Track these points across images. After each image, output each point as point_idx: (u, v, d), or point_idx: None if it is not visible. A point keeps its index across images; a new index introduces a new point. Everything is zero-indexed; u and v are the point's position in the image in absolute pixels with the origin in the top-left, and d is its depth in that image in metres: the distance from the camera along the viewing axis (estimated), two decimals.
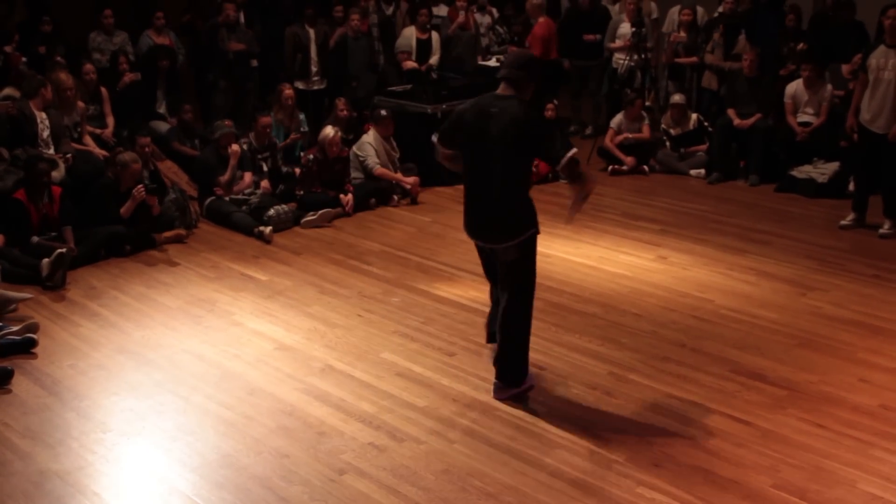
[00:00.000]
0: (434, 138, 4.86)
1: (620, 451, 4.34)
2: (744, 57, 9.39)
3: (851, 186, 8.15)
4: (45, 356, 5.38)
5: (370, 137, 8.54)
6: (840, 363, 5.26)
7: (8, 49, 8.50)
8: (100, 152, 7.92)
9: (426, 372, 5.15)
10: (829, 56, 9.34)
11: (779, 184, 8.83)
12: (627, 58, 10.12)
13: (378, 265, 6.90)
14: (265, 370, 5.20)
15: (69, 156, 7.46)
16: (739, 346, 5.49)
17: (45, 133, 7.44)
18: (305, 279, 6.62)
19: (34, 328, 5.57)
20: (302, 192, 8.14)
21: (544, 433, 4.51)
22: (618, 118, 9.65)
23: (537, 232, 4.68)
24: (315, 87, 10.05)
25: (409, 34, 10.44)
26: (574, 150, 4.64)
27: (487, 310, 5.95)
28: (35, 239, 6.65)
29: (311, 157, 8.24)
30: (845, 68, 9.24)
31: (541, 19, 10.66)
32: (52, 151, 7.38)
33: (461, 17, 10.78)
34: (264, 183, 8.18)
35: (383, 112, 8.58)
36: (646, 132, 9.56)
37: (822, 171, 8.69)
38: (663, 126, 9.74)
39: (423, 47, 10.44)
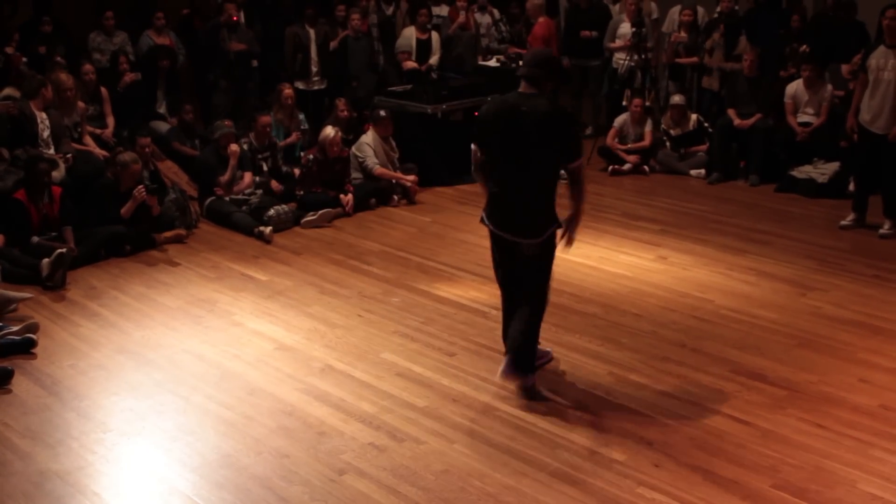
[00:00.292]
0: (473, 147, 4.93)
1: (620, 451, 4.34)
2: (744, 57, 9.39)
3: (851, 186, 8.15)
4: (45, 356, 5.38)
5: (368, 138, 8.54)
6: (840, 363, 5.26)
7: (8, 49, 8.50)
8: (100, 152, 7.92)
9: (426, 372, 5.15)
10: (829, 56, 9.34)
11: (779, 184, 8.83)
12: (627, 58, 10.12)
13: (378, 265, 6.90)
14: (265, 370, 5.20)
15: (69, 156, 7.46)
16: (739, 346, 5.49)
17: (46, 133, 7.44)
18: (305, 279, 6.62)
19: (34, 328, 5.57)
20: (302, 192, 8.14)
21: (544, 433, 4.51)
22: (621, 118, 9.64)
23: (559, 226, 4.80)
24: (315, 87, 10.06)
25: (409, 34, 10.44)
26: (582, 158, 4.81)
27: (487, 310, 5.98)
28: (35, 239, 6.65)
29: (311, 157, 8.24)
30: (845, 68, 9.24)
31: (541, 19, 10.66)
32: (52, 151, 7.38)
33: (461, 17, 10.78)
34: (274, 183, 8.19)
35: (382, 112, 8.58)
36: (647, 139, 9.54)
37: (822, 171, 8.70)
38: (663, 126, 9.73)
39: (423, 47, 10.44)
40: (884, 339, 5.58)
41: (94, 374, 5.16)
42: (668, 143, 9.64)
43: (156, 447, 4.42)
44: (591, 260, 6.93)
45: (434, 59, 10.42)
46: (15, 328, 5.50)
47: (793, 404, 4.79)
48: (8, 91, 7.68)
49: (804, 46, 9.57)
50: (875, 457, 4.29)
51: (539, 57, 4.89)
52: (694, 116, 9.68)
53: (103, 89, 8.55)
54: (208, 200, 7.93)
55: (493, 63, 10.49)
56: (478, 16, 11.16)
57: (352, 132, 9.05)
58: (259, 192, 8.03)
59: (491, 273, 6.60)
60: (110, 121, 8.58)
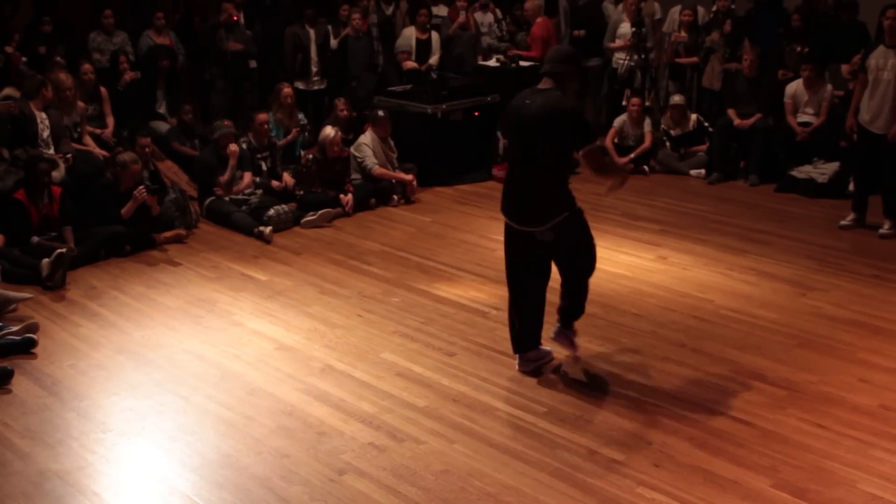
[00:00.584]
0: (499, 133, 5.23)
1: (620, 451, 4.34)
2: (744, 57, 9.39)
3: (851, 186, 8.15)
4: (44, 356, 5.37)
5: (367, 138, 8.54)
6: (840, 363, 5.26)
7: (8, 49, 8.50)
8: (100, 152, 7.92)
9: (426, 372, 5.15)
10: (829, 56, 9.34)
11: (779, 184, 8.83)
12: (627, 58, 10.12)
13: (378, 265, 6.90)
14: (265, 370, 5.20)
15: (69, 156, 7.46)
16: (739, 346, 5.49)
17: (45, 133, 7.44)
18: (305, 279, 6.62)
19: (34, 328, 5.57)
20: (302, 192, 8.14)
21: (544, 433, 4.51)
22: (620, 119, 9.64)
23: (573, 213, 4.88)
24: (315, 87, 10.07)
25: (409, 34, 10.44)
26: (599, 141, 4.94)
27: (487, 310, 5.98)
28: (35, 239, 6.65)
29: (311, 157, 8.24)
30: (845, 68, 9.24)
31: (539, 20, 10.68)
32: (52, 151, 7.38)
33: (461, 17, 10.78)
34: (274, 182, 8.18)
35: (380, 113, 8.58)
36: (648, 140, 9.54)
37: (822, 171, 8.70)
38: (663, 126, 9.73)
39: (423, 47, 10.44)
40: (884, 339, 5.58)
41: (94, 374, 5.15)
42: (668, 143, 9.64)
43: (156, 447, 4.42)
44: None
45: (434, 59, 10.42)
46: (15, 328, 5.50)
47: (793, 404, 4.79)
48: (8, 91, 7.69)
49: (801, 47, 9.57)
50: (875, 457, 4.29)
51: (563, 54, 4.98)
52: (694, 116, 9.68)
53: (103, 89, 8.55)
54: (208, 200, 7.93)
55: (492, 63, 10.49)
56: (479, 14, 11.16)
57: (351, 132, 9.05)
58: (259, 192, 8.03)
59: (490, 273, 6.65)
60: (110, 121, 8.58)
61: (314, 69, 9.97)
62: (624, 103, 9.83)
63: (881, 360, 5.30)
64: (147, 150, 7.68)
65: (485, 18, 11.22)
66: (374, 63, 10.31)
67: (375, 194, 8.39)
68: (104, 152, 7.90)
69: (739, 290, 6.37)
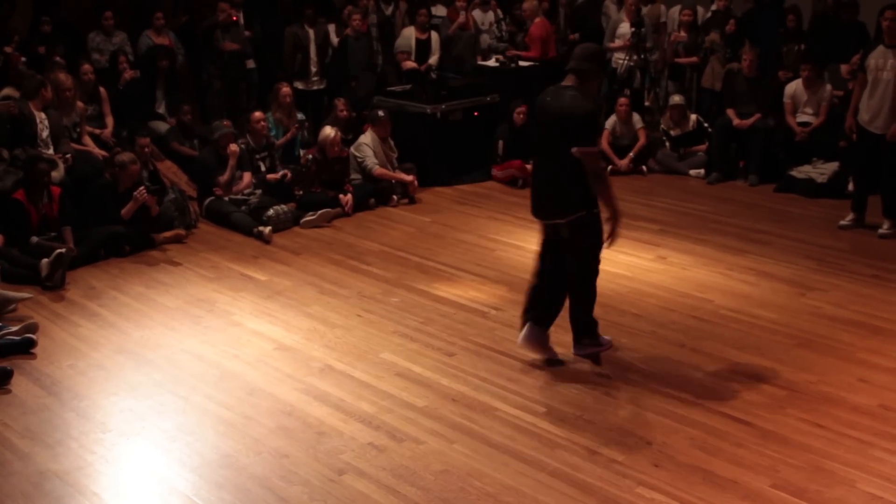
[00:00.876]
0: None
1: (620, 451, 4.34)
2: (743, 57, 9.39)
3: (851, 186, 8.15)
4: (44, 356, 5.37)
5: (367, 138, 8.54)
6: (839, 363, 5.26)
7: (8, 49, 8.49)
8: (99, 152, 7.91)
9: (426, 372, 5.15)
10: (829, 56, 9.34)
11: (778, 184, 8.83)
12: (627, 58, 10.12)
13: (377, 265, 6.89)
14: (265, 370, 5.20)
15: (68, 156, 7.45)
16: (739, 346, 5.49)
17: (45, 133, 7.44)
18: (305, 279, 6.61)
19: (33, 328, 5.57)
20: (301, 192, 8.14)
21: (544, 433, 4.51)
22: (611, 120, 9.64)
23: (590, 213, 4.97)
24: (314, 87, 10.06)
25: (409, 34, 10.44)
26: (597, 148, 5.06)
27: (487, 310, 5.99)
28: (34, 239, 6.65)
29: (311, 157, 8.24)
30: (844, 68, 9.24)
31: (537, 20, 10.68)
32: (51, 152, 7.37)
33: (461, 17, 10.78)
34: (270, 175, 8.19)
35: (381, 113, 8.57)
36: (643, 138, 9.53)
37: (821, 171, 8.70)
38: (663, 126, 9.73)
39: (423, 47, 10.44)
40: (883, 338, 5.58)
41: (93, 375, 5.15)
42: (667, 143, 9.64)
43: (155, 447, 4.41)
44: None
45: (433, 60, 10.42)
46: (14, 328, 5.49)
47: (792, 404, 4.79)
48: (7, 91, 7.68)
49: (798, 46, 9.57)
50: (875, 456, 4.29)
51: (589, 51, 5.04)
52: (693, 117, 9.68)
53: (102, 89, 8.55)
54: (207, 200, 7.93)
55: (492, 63, 10.50)
56: (479, 13, 11.15)
57: (351, 132, 9.05)
58: (258, 192, 8.02)
59: (489, 273, 6.69)
60: (109, 121, 8.57)
61: (313, 69, 9.97)
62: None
63: (881, 359, 5.30)
64: (146, 150, 7.68)
65: (485, 18, 11.23)
66: (373, 63, 10.31)
67: (375, 194, 8.38)
68: (103, 152, 7.89)
69: (739, 290, 6.37)
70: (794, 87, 9.02)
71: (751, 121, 9.11)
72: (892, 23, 7.19)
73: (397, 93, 9.44)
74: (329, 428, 4.55)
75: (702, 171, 9.30)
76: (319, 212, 7.87)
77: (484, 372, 5.14)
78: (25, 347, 5.40)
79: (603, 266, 6.84)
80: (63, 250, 6.43)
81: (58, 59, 8.60)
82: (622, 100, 9.56)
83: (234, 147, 7.94)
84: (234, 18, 9.67)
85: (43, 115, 7.45)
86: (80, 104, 8.00)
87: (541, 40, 10.50)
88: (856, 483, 4.09)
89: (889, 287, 6.40)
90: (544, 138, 5.02)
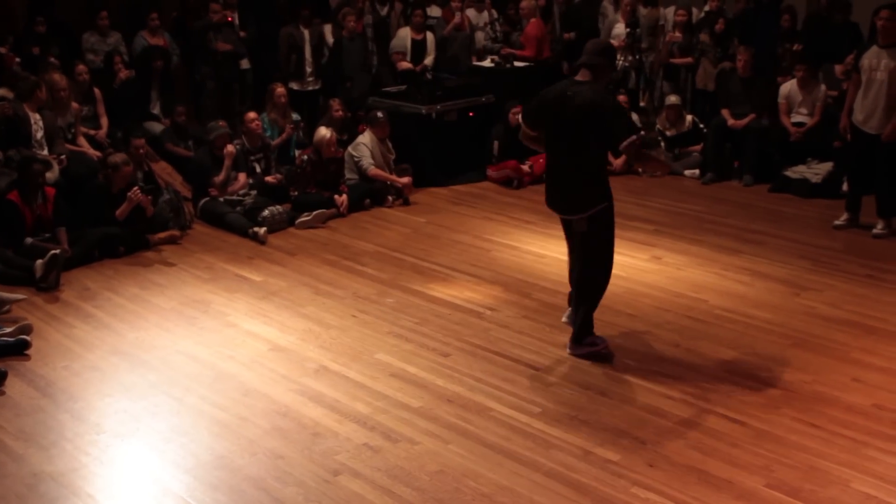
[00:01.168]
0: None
1: (615, 451, 4.35)
2: (738, 57, 9.40)
3: (845, 186, 8.16)
4: (38, 358, 5.36)
5: (366, 139, 8.54)
6: (834, 363, 5.27)
7: (2, 50, 8.48)
8: (94, 153, 7.91)
9: (421, 373, 5.15)
10: (823, 56, 9.35)
11: (773, 184, 8.84)
12: (622, 58, 10.12)
13: (373, 266, 6.89)
14: (259, 371, 5.20)
15: (63, 157, 7.45)
16: (734, 346, 5.50)
17: (39, 134, 7.43)
18: (300, 280, 6.61)
19: (27, 330, 5.56)
20: (296, 193, 8.13)
21: (539, 434, 4.51)
22: None
23: (609, 206, 5.08)
24: (310, 88, 10.06)
25: (404, 35, 10.44)
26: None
27: (482, 310, 6.01)
28: (29, 240, 6.64)
29: (306, 157, 8.23)
30: (838, 69, 9.26)
31: (533, 20, 10.69)
32: (45, 152, 7.37)
33: (456, 17, 10.78)
34: (268, 178, 8.17)
35: (379, 114, 8.57)
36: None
37: (815, 171, 8.71)
38: (658, 127, 9.74)
39: (418, 48, 10.43)
40: (877, 338, 5.59)
41: (87, 376, 5.15)
42: (662, 144, 9.65)
43: (150, 448, 4.41)
44: None
45: (429, 60, 10.42)
46: (8, 329, 5.48)
47: (787, 404, 4.79)
48: (1, 92, 7.67)
49: (797, 45, 9.58)
50: (869, 456, 4.30)
51: (600, 46, 5.14)
52: (689, 117, 9.69)
53: (97, 90, 8.53)
54: (202, 201, 7.92)
55: (487, 63, 10.50)
56: (474, 13, 11.14)
57: (346, 132, 9.05)
58: (253, 192, 8.02)
59: (485, 273, 6.71)
60: (104, 121, 8.56)
61: (309, 70, 9.97)
62: None
63: (875, 359, 5.31)
64: (141, 150, 7.67)
65: (480, 18, 11.23)
66: (368, 63, 10.31)
67: (370, 195, 8.38)
68: (98, 153, 7.89)
69: (734, 290, 6.38)
70: (789, 87, 9.04)
71: (745, 121, 9.12)
72: (887, 23, 7.20)
73: (392, 93, 9.44)
74: (324, 429, 4.55)
75: (696, 171, 9.31)
76: (314, 212, 7.87)
77: (479, 372, 5.14)
78: (20, 349, 5.39)
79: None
80: (57, 251, 6.42)
81: (52, 59, 8.58)
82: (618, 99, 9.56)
83: (230, 148, 7.93)
84: (230, 19, 9.67)
85: (37, 116, 7.44)
86: (74, 105, 8.00)
87: (536, 40, 10.51)
88: (850, 482, 4.09)
89: (883, 287, 6.42)
90: (566, 134, 5.02)
